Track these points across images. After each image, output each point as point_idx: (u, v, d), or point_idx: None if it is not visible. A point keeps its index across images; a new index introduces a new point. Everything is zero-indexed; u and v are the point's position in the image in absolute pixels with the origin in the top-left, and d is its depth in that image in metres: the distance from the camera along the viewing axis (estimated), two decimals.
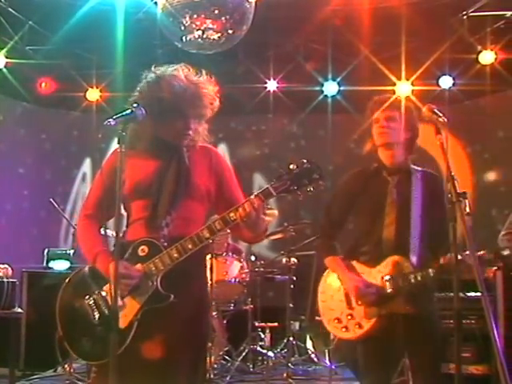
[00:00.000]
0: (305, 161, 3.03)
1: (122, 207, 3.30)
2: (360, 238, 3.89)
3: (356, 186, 3.92)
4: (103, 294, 3.18)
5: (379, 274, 3.72)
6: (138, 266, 3.09)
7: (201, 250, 3.16)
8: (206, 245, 3.17)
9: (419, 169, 3.89)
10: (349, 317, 3.77)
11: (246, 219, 3.02)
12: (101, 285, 3.19)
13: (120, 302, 3.08)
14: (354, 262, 3.84)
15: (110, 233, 3.42)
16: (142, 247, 3.11)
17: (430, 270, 3.58)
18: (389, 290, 3.66)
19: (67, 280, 3.33)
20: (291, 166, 3.02)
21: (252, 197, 3.03)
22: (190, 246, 3.07)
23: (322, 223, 4.10)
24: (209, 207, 3.35)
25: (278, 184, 3.01)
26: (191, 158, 3.31)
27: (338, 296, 3.86)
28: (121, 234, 3.07)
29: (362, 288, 3.70)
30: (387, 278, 3.68)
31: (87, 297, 3.21)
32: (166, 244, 3.10)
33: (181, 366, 3.09)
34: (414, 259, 3.67)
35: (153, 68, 3.35)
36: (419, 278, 3.60)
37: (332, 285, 3.93)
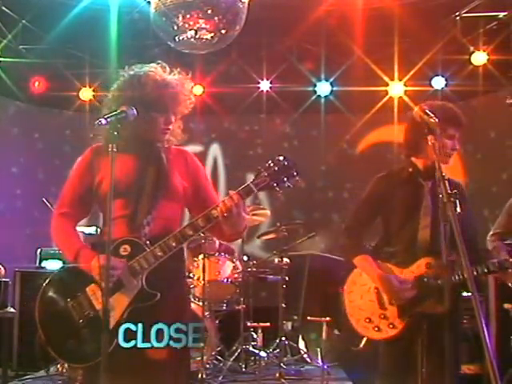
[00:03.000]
0: (281, 158, 3.07)
1: (97, 206, 3.34)
2: (389, 238, 3.92)
3: (387, 190, 3.94)
4: (87, 294, 3.16)
5: (412, 275, 3.75)
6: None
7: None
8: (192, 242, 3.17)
9: (446, 176, 3.94)
10: (381, 316, 3.78)
11: (227, 214, 3.04)
12: (84, 285, 3.16)
13: None
14: (384, 263, 3.85)
15: (86, 230, 3.41)
16: (124, 246, 3.11)
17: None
18: (421, 290, 3.70)
19: (46, 282, 3.28)
20: (268, 163, 3.06)
21: (232, 193, 3.06)
22: (173, 244, 3.09)
23: (348, 224, 4.06)
24: (184, 207, 3.39)
25: (258, 180, 3.06)
26: (167, 158, 3.34)
27: (368, 296, 3.86)
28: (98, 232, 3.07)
29: (397, 286, 3.72)
30: (421, 277, 3.72)
31: (70, 298, 3.18)
32: (148, 242, 3.11)
33: (168, 365, 3.09)
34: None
35: (127, 68, 3.37)
36: (452, 279, 3.61)
37: (361, 285, 3.93)
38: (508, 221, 5.04)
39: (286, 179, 3.06)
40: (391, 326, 3.75)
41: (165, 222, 3.22)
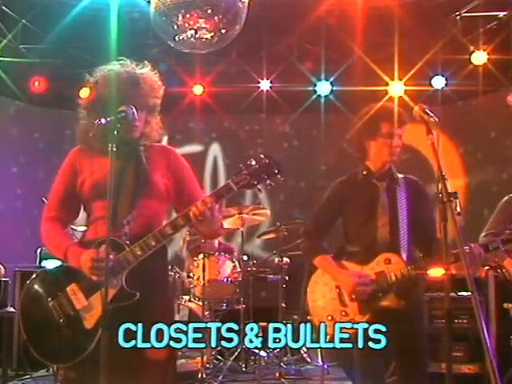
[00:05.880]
0: (263, 156, 3.07)
1: (82, 207, 3.36)
2: (349, 239, 4.00)
3: (345, 193, 4.06)
4: (68, 294, 3.15)
5: (371, 271, 3.81)
6: None
7: (163, 245, 3.18)
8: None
9: (401, 175, 4.05)
10: (343, 313, 3.82)
11: (201, 218, 3.05)
12: (65, 285, 3.16)
13: (85, 302, 3.10)
14: (344, 262, 3.92)
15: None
16: (104, 246, 3.05)
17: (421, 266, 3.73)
18: (381, 285, 3.75)
19: (28, 282, 3.28)
20: (250, 162, 3.06)
21: (211, 193, 3.08)
22: (153, 243, 3.09)
23: (308, 228, 4.21)
24: (168, 206, 3.39)
25: (239, 179, 3.05)
26: (149, 157, 3.34)
27: (330, 295, 3.91)
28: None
29: (357, 280, 3.77)
30: (380, 273, 3.77)
31: (50, 298, 3.18)
32: (128, 242, 3.11)
33: (149, 366, 3.07)
34: (404, 256, 3.80)
35: (102, 67, 3.40)
36: (411, 273, 3.71)
37: (322, 284, 3.99)
38: (500, 220, 5.07)
39: (266, 177, 3.05)
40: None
41: (146, 220, 3.21)
